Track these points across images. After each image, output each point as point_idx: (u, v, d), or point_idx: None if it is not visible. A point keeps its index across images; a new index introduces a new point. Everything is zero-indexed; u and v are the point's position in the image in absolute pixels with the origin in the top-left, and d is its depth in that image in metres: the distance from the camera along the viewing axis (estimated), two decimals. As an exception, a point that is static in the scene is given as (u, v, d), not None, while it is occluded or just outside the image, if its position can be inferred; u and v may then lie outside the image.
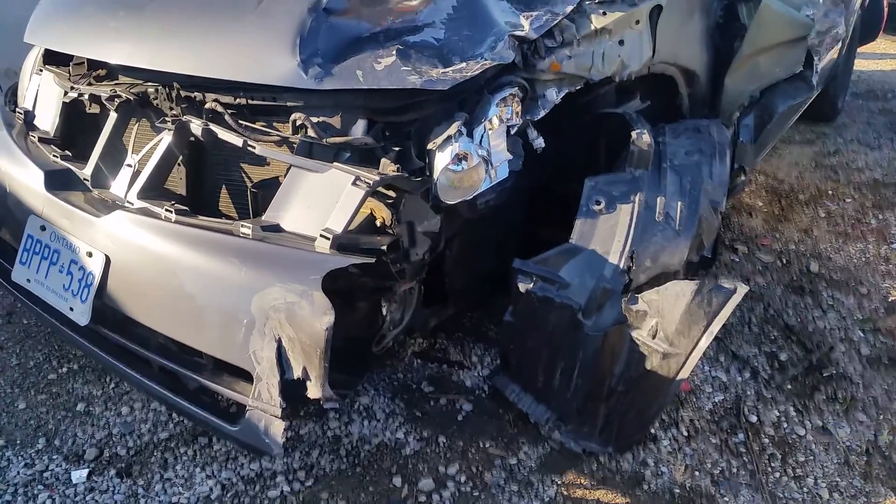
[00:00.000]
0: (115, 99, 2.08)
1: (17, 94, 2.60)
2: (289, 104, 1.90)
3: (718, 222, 2.11)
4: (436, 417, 2.18)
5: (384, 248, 1.75)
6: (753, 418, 2.22)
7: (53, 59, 2.44)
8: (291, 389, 1.66)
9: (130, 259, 1.82)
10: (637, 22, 2.20)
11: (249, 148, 1.84)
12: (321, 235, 1.69)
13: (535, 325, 2.01)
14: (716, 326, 1.80)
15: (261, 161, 1.99)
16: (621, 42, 2.17)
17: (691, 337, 1.82)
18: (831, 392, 2.35)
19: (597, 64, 2.14)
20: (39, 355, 2.47)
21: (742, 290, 1.81)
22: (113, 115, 2.09)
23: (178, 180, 2.10)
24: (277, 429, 1.66)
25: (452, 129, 1.85)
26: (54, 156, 2.15)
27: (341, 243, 1.70)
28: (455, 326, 2.61)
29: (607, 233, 1.97)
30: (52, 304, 1.93)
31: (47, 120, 2.33)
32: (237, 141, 1.86)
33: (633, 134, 2.12)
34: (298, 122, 1.87)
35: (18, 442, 2.09)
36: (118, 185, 2.00)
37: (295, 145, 1.87)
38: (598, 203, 2.01)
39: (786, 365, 2.49)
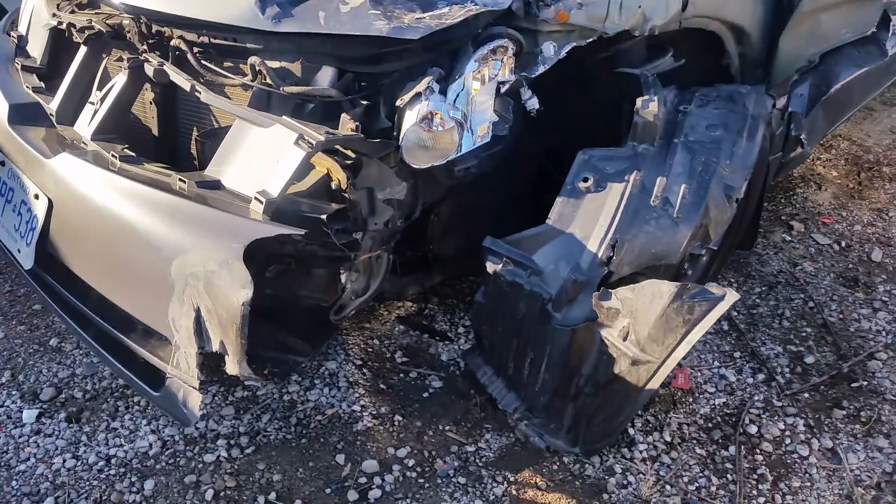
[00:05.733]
0: (87, 30, 1.96)
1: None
2: (249, 46, 1.75)
3: (732, 211, 1.83)
4: (400, 392, 2.05)
5: (324, 217, 1.59)
6: (753, 430, 1.97)
7: None
8: (209, 359, 1.56)
9: (70, 205, 1.74)
10: (664, -33, 1.88)
11: (196, 94, 1.70)
12: (255, 198, 1.55)
13: (506, 310, 1.82)
14: (694, 336, 1.57)
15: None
16: (643, -10, 1.87)
17: (665, 345, 1.59)
18: (854, 409, 2.06)
19: (612, 15, 1.85)
20: (31, 284, 2.48)
21: (731, 297, 1.55)
22: (82, 49, 1.98)
23: (150, 119, 2.00)
24: (195, 400, 1.58)
25: (422, 86, 1.65)
26: (27, 87, 2.07)
27: (278, 208, 1.56)
28: (452, 290, 2.45)
29: (590, 216, 1.74)
30: (4, 243, 1.89)
31: (37, 47, 2.26)
32: (185, 85, 1.72)
33: (639, 102, 1.84)
34: (257, 68, 1.71)
35: (-14, 373, 2.11)
36: (81, 123, 1.91)
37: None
38: (586, 180, 1.77)
39: (810, 370, 2.20)
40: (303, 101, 1.70)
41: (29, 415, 1.95)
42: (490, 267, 1.78)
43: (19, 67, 2.19)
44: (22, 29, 2.37)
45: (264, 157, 1.61)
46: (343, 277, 1.83)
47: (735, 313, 2.42)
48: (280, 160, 1.57)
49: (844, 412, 2.05)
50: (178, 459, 1.84)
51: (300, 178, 1.63)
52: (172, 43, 1.82)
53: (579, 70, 1.98)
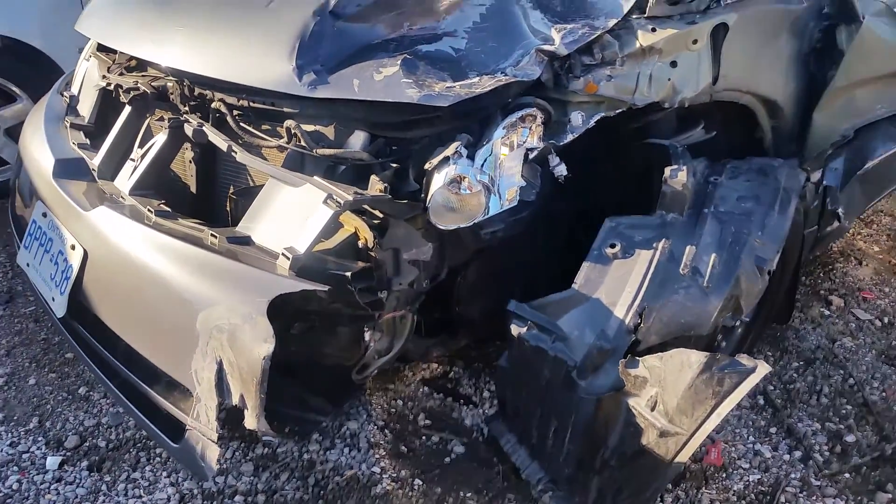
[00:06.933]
0: (132, 91, 2.05)
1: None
2: (285, 110, 1.80)
3: (764, 283, 1.80)
4: (421, 456, 2.01)
5: (348, 275, 1.60)
6: (789, 511, 1.89)
7: (104, 47, 2.47)
8: (230, 415, 1.55)
9: (104, 256, 1.78)
10: (695, 42, 1.90)
11: (232, 154, 1.75)
12: (282, 254, 1.57)
13: (529, 376, 1.79)
14: (725, 409, 1.52)
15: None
16: (673, 64, 1.89)
17: (695, 417, 1.54)
18: (899, 494, 1.97)
19: (642, 87, 1.86)
20: (66, 332, 2.53)
21: (762, 369, 1.51)
22: (127, 108, 2.06)
23: (189, 177, 2.06)
24: (213, 453, 1.57)
25: (450, 150, 1.67)
26: (73, 143, 2.16)
27: (304, 265, 1.58)
28: (478, 354, 2.43)
29: (617, 282, 1.72)
30: (40, 291, 1.94)
31: (86, 106, 2.36)
32: (223, 145, 1.77)
33: (667, 171, 1.84)
34: (292, 131, 1.76)
35: (15, 418, 2.12)
36: (121, 178, 1.97)
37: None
38: (613, 246, 1.76)
39: (850, 450, 2.11)
40: (335, 163, 1.73)
41: (52, 462, 1.96)
42: (514, 331, 1.77)
43: (68, 125, 2.29)
44: (74, 90, 2.48)
45: (294, 215, 1.64)
46: (366, 336, 1.83)
47: (771, 388, 2.35)
48: (309, 218, 1.60)
49: (889, 496, 1.95)
50: (194, 515, 1.82)
51: (328, 236, 1.65)
52: (213, 105, 1.89)
53: (610, 137, 1.99)
